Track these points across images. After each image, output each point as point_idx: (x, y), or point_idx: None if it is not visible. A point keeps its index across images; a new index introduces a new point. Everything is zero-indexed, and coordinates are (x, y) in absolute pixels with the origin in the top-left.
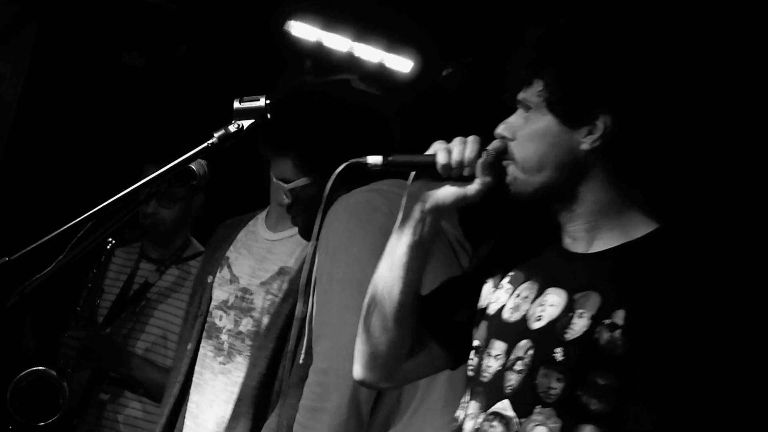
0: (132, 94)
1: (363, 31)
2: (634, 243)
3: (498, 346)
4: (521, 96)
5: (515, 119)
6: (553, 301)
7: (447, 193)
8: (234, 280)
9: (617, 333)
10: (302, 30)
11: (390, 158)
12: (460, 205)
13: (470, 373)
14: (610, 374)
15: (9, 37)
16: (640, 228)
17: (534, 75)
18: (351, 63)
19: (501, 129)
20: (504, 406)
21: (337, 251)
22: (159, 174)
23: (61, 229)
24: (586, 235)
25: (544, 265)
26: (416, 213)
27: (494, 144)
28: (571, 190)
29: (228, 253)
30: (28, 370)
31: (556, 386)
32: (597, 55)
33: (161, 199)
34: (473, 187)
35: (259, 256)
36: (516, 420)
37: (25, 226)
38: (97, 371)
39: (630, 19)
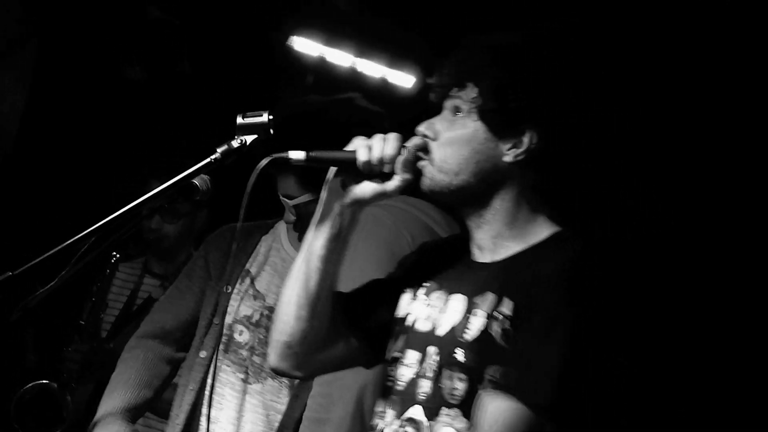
0: (134, 108)
1: (365, 46)
2: (531, 247)
3: (411, 356)
4: (452, 98)
5: (440, 120)
6: (456, 306)
7: (366, 189)
8: (258, 296)
9: (507, 324)
10: (304, 45)
11: (312, 154)
12: (379, 201)
13: (388, 383)
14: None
15: (10, 51)
16: (540, 235)
17: (470, 80)
18: (353, 79)
19: (423, 128)
20: (416, 412)
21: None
22: (162, 189)
23: (65, 243)
24: (492, 244)
25: (453, 275)
26: (336, 208)
27: (414, 141)
28: (484, 197)
29: (249, 266)
30: (32, 384)
31: (459, 386)
32: (537, 74)
33: (165, 215)
34: (392, 184)
35: (284, 274)
36: (426, 423)
37: (28, 240)
38: (101, 385)
39: (571, 43)
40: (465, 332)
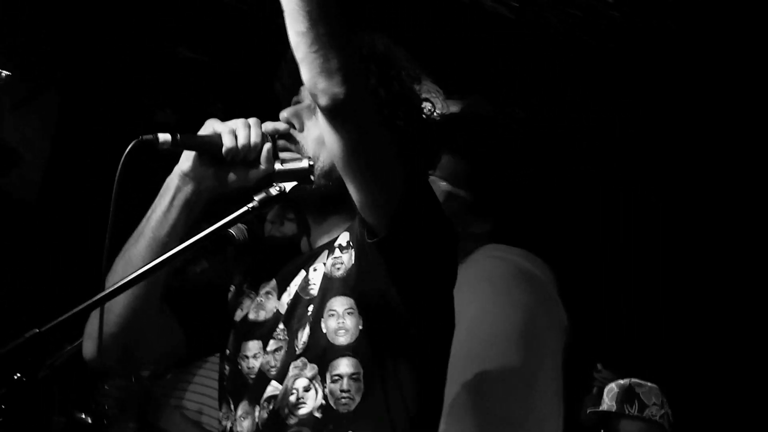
0: (167, 153)
1: None
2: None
3: (252, 346)
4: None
5: (306, 111)
6: (296, 281)
7: (227, 177)
8: None
9: (343, 253)
10: None
11: (179, 137)
12: (234, 189)
13: (226, 383)
14: (345, 298)
15: (34, 97)
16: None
17: None
18: None
19: (289, 114)
20: (273, 387)
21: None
22: (196, 240)
23: (93, 299)
24: (318, 239)
25: (282, 265)
26: (188, 193)
27: (277, 128)
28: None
29: None
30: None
31: (304, 334)
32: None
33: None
34: (254, 173)
35: None
36: (280, 387)
37: (55, 295)
38: (140, 425)
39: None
40: (309, 288)
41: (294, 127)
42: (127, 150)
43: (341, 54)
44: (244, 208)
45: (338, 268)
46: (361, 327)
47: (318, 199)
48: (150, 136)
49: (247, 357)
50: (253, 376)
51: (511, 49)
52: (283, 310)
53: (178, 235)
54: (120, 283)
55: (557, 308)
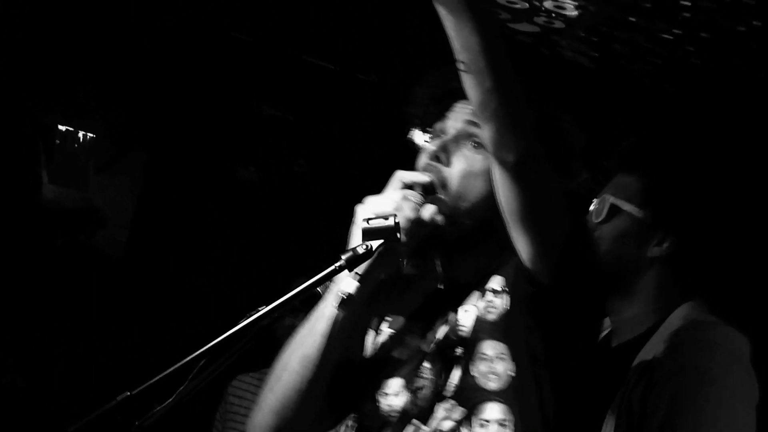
0: (249, 210)
1: None
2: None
3: (394, 384)
4: (468, 128)
5: (452, 144)
6: (444, 321)
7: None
8: None
9: (497, 297)
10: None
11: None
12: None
13: (364, 421)
14: (496, 342)
15: (119, 158)
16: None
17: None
18: None
19: (437, 149)
20: (415, 427)
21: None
22: (283, 301)
23: (183, 361)
24: (461, 278)
25: (422, 302)
26: (348, 318)
27: (415, 181)
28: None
29: None
30: None
31: (454, 377)
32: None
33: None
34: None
35: None
36: (423, 428)
37: (146, 358)
38: None
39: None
40: (460, 329)
41: (439, 161)
42: (326, 272)
43: (528, 111)
44: (332, 267)
45: (491, 312)
46: (511, 373)
47: (462, 238)
48: (355, 255)
49: (387, 395)
50: (394, 415)
51: (591, 98)
52: (428, 349)
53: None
54: (207, 347)
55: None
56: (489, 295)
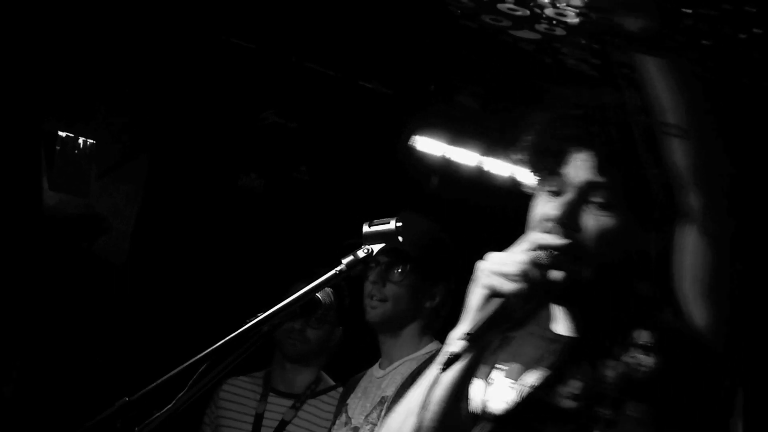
0: (251, 218)
1: (492, 144)
2: None
3: None
4: (592, 186)
5: (578, 205)
6: (585, 369)
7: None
8: (348, 421)
9: (645, 354)
10: (428, 145)
11: (471, 335)
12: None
13: None
14: (646, 405)
15: (121, 165)
16: None
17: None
18: (480, 178)
19: (563, 214)
20: None
21: None
22: (284, 305)
23: (182, 366)
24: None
25: (548, 350)
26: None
27: (548, 244)
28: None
29: (348, 400)
30: None
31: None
32: None
33: (309, 319)
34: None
35: (369, 394)
36: None
37: (145, 364)
38: None
39: None
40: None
41: (568, 227)
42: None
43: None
44: (332, 272)
45: (639, 370)
46: None
47: (584, 292)
48: (452, 356)
49: None
50: None
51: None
52: (562, 404)
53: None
54: (207, 351)
55: None
56: (636, 351)
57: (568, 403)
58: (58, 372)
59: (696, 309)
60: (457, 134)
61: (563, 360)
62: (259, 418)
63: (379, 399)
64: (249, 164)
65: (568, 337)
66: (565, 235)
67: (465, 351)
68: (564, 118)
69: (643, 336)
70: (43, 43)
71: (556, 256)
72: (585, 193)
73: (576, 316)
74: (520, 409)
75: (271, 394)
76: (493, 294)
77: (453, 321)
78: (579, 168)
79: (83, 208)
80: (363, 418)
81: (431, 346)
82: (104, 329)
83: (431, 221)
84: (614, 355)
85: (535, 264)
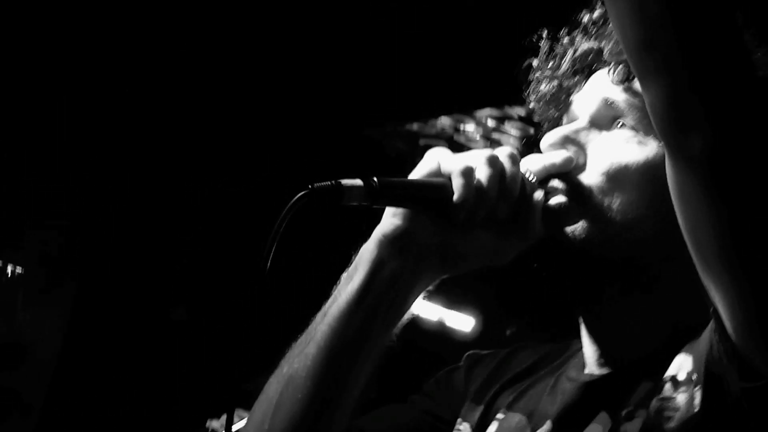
0: (176, 348)
1: None
2: None
3: None
4: (609, 109)
5: (584, 134)
6: (602, 419)
7: (464, 251)
8: None
9: (679, 392)
10: None
11: (377, 183)
12: (474, 269)
13: None
14: None
15: (47, 291)
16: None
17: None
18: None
19: (557, 139)
20: None
21: None
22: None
23: None
24: (616, 352)
25: (554, 392)
26: (396, 270)
27: (550, 163)
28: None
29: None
30: None
31: None
32: None
33: None
34: (513, 245)
35: None
36: None
37: None
38: None
39: None
40: None
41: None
42: (288, 207)
43: (743, 44)
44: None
45: (669, 418)
46: None
47: (616, 274)
48: (328, 184)
49: None
50: None
51: None
52: None
53: (375, 339)
54: None
55: None
56: (668, 388)
57: None
58: None
59: (713, 294)
60: None
61: (571, 410)
62: None
63: None
64: (178, 297)
65: (586, 377)
66: (566, 155)
67: (349, 195)
68: (570, 40)
69: (682, 363)
70: None
71: (546, 177)
72: (602, 115)
73: (599, 334)
74: None
75: None
76: (439, 173)
77: None
78: (593, 85)
79: (5, 337)
80: None
81: None
82: None
83: None
84: (640, 395)
85: (505, 167)
